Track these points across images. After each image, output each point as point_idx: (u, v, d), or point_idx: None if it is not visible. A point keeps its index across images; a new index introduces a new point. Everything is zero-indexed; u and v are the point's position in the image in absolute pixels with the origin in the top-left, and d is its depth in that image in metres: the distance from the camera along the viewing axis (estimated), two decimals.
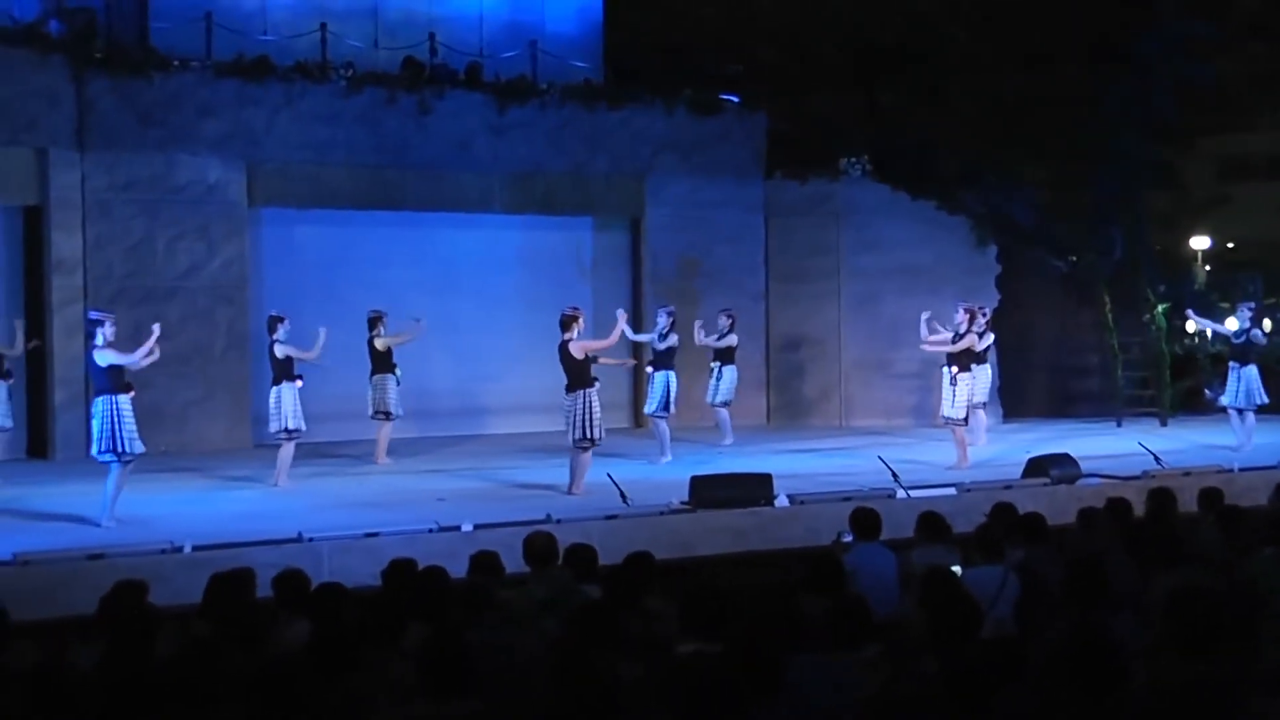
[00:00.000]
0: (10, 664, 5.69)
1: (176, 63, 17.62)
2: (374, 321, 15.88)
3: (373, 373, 15.85)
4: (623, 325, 14.11)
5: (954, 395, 15.17)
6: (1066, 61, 22.46)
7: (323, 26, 18.79)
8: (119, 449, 11.63)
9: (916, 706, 4.94)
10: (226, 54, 18.03)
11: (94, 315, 12.36)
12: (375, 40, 19.60)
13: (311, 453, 15.54)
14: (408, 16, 19.93)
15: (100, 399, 11.80)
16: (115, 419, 11.64)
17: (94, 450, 11.86)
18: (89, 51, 17.18)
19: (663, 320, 16.65)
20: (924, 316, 16.26)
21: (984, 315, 16.30)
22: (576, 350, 13.31)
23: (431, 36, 19.54)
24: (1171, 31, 20.34)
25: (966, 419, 15.38)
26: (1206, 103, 24.35)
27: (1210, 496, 9.48)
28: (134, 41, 17.97)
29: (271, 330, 14.32)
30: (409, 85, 18.95)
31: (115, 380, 11.78)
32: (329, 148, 18.47)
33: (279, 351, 14.18)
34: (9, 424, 14.71)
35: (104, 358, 11.81)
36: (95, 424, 11.79)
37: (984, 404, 17.34)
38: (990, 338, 16.91)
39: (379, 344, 15.80)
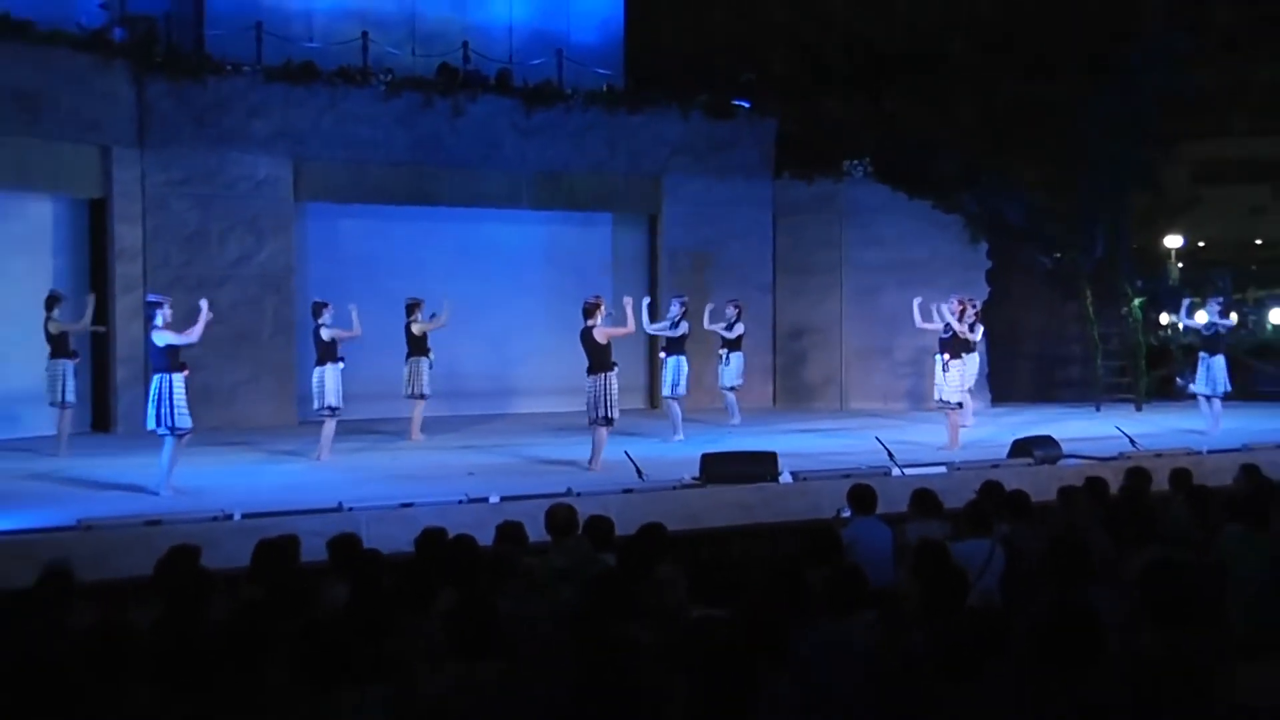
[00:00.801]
0: (74, 622, 5.71)
1: (229, 67, 17.66)
2: (411, 308, 15.90)
3: (408, 355, 15.88)
4: (630, 312, 13.98)
5: (947, 381, 15.15)
6: (1060, 71, 22.32)
7: (364, 35, 18.83)
8: (170, 424, 11.66)
9: (909, 670, 4.95)
10: (275, 59, 18.09)
11: (152, 298, 12.30)
12: (412, 48, 19.60)
13: (351, 429, 15.55)
14: (443, 26, 19.94)
15: (155, 377, 11.82)
16: (168, 396, 11.66)
17: (148, 424, 11.90)
18: (149, 57, 17.24)
19: (675, 309, 16.63)
20: (916, 301, 16.21)
21: (974, 308, 16.25)
22: (599, 335, 13.31)
23: (465, 45, 19.56)
24: (1154, 43, 20.25)
25: (961, 404, 15.35)
26: (1183, 109, 24.25)
27: (1180, 477, 9.39)
28: (191, 48, 18.08)
29: (316, 315, 14.30)
30: (443, 90, 18.97)
31: (171, 360, 11.74)
32: (369, 147, 18.51)
33: (325, 334, 14.17)
34: (74, 400, 14.75)
35: (162, 338, 11.78)
36: (150, 400, 11.82)
37: (971, 390, 17.30)
38: (980, 329, 16.87)
39: (415, 329, 15.82)
